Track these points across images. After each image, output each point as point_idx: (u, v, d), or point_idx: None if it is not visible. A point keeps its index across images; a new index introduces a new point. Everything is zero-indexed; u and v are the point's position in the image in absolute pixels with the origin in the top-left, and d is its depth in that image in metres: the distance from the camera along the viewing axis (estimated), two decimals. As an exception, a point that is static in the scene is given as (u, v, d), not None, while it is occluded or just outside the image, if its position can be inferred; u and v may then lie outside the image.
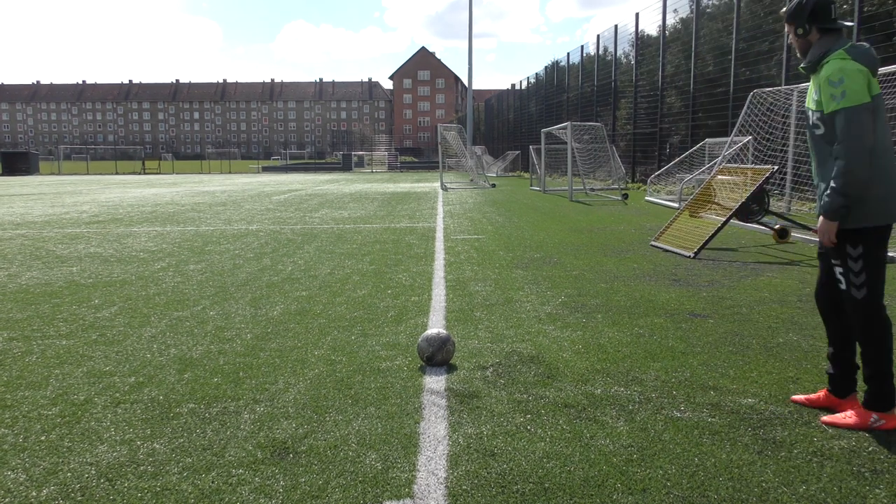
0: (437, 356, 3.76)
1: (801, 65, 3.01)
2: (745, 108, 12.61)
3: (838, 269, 2.95)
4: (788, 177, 12.61)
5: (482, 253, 8.18)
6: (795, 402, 3.19)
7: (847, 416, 2.96)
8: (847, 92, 2.72)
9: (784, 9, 3.04)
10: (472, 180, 27.92)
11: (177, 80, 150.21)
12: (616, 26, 25.82)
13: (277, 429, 2.96)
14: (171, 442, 2.84)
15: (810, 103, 2.95)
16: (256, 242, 9.34)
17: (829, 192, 2.83)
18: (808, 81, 3.21)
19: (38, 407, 3.24)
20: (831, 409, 3.08)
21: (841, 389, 3.09)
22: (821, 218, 2.89)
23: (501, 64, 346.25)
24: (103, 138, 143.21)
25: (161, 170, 55.46)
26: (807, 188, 12.81)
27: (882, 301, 2.92)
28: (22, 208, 16.21)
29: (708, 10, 19.59)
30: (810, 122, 2.95)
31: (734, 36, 16.93)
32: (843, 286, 2.94)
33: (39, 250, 8.74)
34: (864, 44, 2.87)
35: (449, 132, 27.81)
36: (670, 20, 21.67)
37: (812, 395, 3.20)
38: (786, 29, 3.07)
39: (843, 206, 2.80)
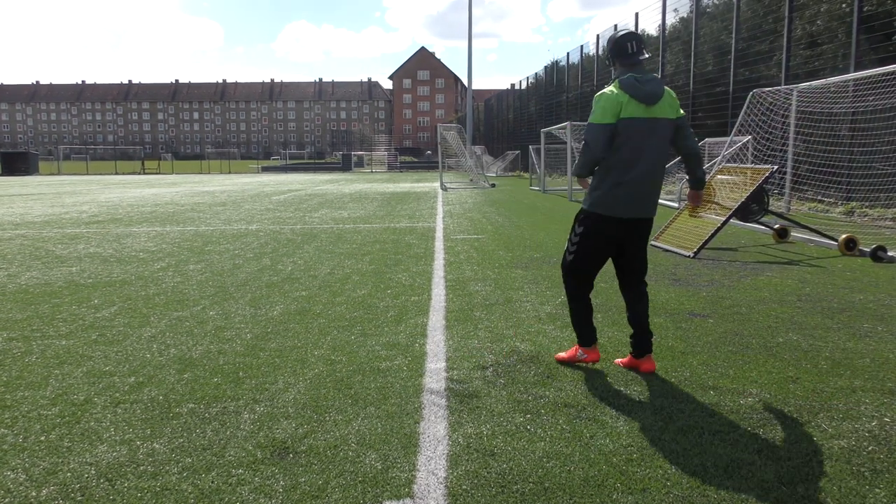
0: None
1: None
2: (745, 107, 12.62)
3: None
4: (788, 176, 12.61)
5: (482, 253, 8.18)
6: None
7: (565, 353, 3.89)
8: (595, 111, 3.49)
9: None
10: (471, 180, 27.92)
11: (176, 80, 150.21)
12: (616, 26, 25.81)
13: (277, 429, 2.96)
14: (171, 442, 2.84)
15: None
16: (256, 242, 9.34)
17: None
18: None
19: (38, 407, 3.24)
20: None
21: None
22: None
23: (502, 64, 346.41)
24: (103, 138, 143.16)
25: (161, 170, 55.46)
26: (806, 188, 12.82)
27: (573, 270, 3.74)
28: (21, 208, 16.21)
29: (708, 10, 19.59)
30: None
31: (734, 35, 16.93)
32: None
33: (39, 250, 8.74)
34: (645, 76, 3.51)
35: (449, 132, 27.81)
36: (670, 20, 21.70)
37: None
38: None
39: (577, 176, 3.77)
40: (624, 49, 3.57)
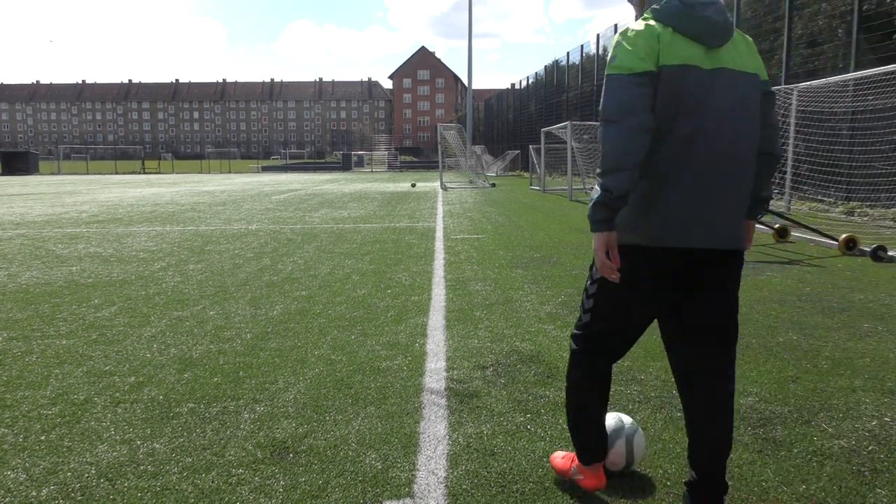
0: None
1: None
2: (745, 107, 12.58)
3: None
4: (788, 176, 12.61)
5: (482, 252, 8.18)
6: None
7: (562, 457, 2.50)
8: (616, 56, 1.96)
9: None
10: (471, 181, 27.92)
11: (176, 80, 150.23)
12: (616, 26, 25.82)
13: (277, 428, 2.96)
14: (171, 442, 2.84)
15: None
16: (256, 242, 9.34)
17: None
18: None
19: (38, 407, 3.24)
20: None
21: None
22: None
23: (504, 64, 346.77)
24: (103, 138, 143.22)
25: (161, 169, 55.48)
26: (807, 187, 12.81)
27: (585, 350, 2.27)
28: (22, 208, 16.21)
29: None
30: None
31: (734, 35, 16.92)
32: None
33: (39, 250, 8.74)
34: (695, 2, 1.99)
35: (449, 132, 27.82)
36: (670, 20, 21.68)
37: None
38: None
39: (601, 209, 1.95)
40: None
